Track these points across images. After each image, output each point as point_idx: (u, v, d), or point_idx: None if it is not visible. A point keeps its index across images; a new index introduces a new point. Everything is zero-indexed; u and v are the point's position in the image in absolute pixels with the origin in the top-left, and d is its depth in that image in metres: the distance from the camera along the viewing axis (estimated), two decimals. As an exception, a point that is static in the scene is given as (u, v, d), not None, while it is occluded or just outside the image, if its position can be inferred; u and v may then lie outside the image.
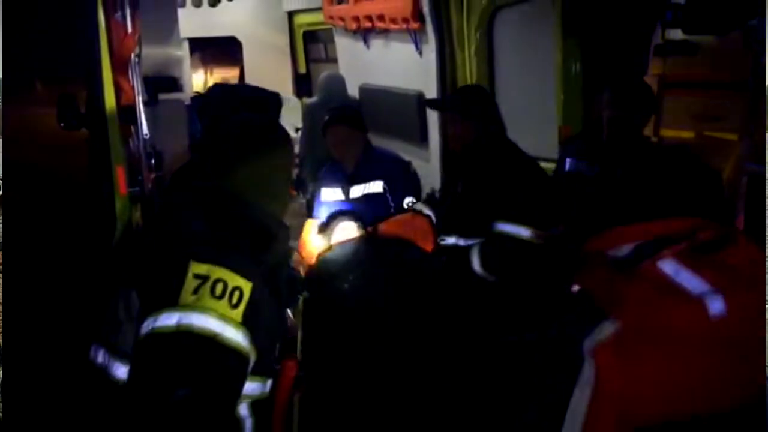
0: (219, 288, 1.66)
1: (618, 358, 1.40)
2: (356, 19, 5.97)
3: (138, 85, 3.34)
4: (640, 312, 1.43)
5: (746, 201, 2.34)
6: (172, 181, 3.18)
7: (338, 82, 6.16)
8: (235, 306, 1.67)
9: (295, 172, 6.25)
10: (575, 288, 1.60)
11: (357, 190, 4.00)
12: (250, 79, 8.06)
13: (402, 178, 4.03)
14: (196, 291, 1.64)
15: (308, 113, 6.04)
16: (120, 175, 3.15)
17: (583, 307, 1.50)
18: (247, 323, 1.68)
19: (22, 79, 3.03)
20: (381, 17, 5.52)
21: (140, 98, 3.37)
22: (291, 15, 8.05)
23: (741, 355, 1.47)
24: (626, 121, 3.16)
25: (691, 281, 1.42)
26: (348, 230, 3.57)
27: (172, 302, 1.62)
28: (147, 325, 1.63)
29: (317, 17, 7.03)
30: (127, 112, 3.27)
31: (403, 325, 3.02)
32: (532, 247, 2.99)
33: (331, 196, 4.02)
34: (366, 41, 6.18)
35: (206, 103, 3.10)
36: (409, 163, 4.15)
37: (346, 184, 3.98)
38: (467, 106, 3.24)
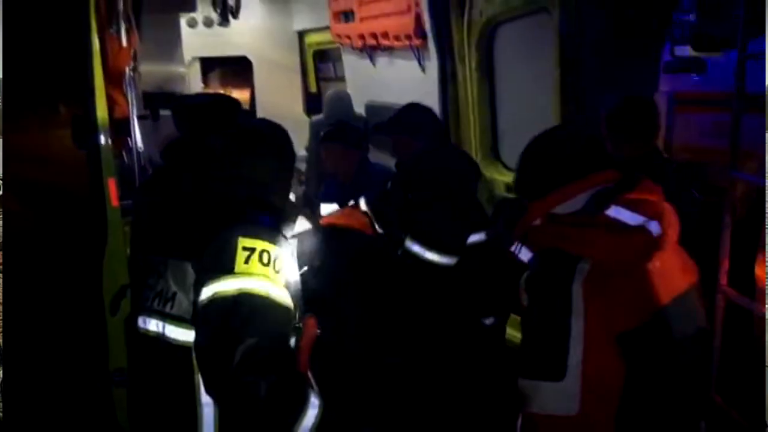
0: (264, 257, 2.00)
1: (596, 287, 1.82)
2: (362, 37, 6.02)
3: (133, 99, 3.37)
4: (604, 249, 1.87)
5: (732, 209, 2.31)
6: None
7: (344, 100, 6.20)
8: (276, 270, 2.02)
9: (302, 189, 6.29)
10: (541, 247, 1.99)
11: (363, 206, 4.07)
12: (261, 99, 8.14)
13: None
14: (247, 261, 1.97)
15: (314, 131, 6.08)
16: (111, 187, 3.18)
17: (560, 258, 1.90)
18: (286, 284, 2.05)
19: (22, 99, 3.11)
20: (385, 35, 5.56)
21: (135, 112, 3.39)
22: (301, 34, 8.12)
23: (679, 256, 2.01)
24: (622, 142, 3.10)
25: (631, 217, 1.90)
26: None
27: (230, 270, 1.95)
28: (209, 291, 1.96)
29: (327, 36, 7.09)
30: (121, 125, 3.31)
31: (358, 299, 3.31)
32: (436, 269, 3.12)
33: (328, 210, 4.07)
34: (372, 59, 6.22)
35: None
36: None
37: (342, 198, 4.01)
38: (395, 126, 3.50)
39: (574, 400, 1.80)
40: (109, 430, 3.29)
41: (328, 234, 3.54)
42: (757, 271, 2.24)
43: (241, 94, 8.85)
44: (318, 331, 2.22)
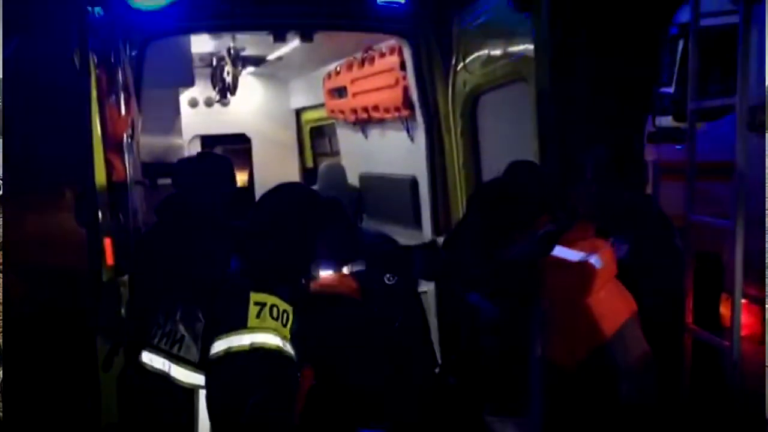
0: (274, 311, 2.09)
1: (556, 315, 2.10)
2: (354, 111, 6.28)
3: (129, 165, 3.54)
4: (558, 284, 2.14)
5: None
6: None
7: (337, 172, 6.39)
8: (285, 325, 2.11)
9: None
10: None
11: (345, 270, 4.16)
12: (259, 174, 8.34)
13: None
14: (258, 315, 2.06)
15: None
16: (107, 246, 3.31)
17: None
18: (292, 339, 2.12)
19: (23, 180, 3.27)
20: (376, 108, 5.81)
21: (131, 176, 3.55)
22: (298, 112, 8.41)
23: (617, 285, 2.25)
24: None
25: (574, 254, 2.13)
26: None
27: (242, 325, 2.05)
28: (223, 344, 2.05)
29: (322, 113, 7.36)
30: (117, 189, 3.46)
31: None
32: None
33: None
34: (364, 131, 6.46)
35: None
36: (393, 241, 4.28)
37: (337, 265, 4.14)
38: None
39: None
40: None
41: (317, 300, 3.65)
42: (722, 309, 2.33)
43: (240, 171, 9.09)
44: (313, 382, 2.32)
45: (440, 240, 4.38)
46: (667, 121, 5.40)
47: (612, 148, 3.39)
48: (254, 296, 2.10)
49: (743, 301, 2.23)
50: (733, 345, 2.16)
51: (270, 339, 2.06)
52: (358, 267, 3.82)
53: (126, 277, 3.46)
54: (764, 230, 2.17)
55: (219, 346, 2.06)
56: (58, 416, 3.27)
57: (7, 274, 3.27)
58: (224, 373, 2.04)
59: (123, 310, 3.40)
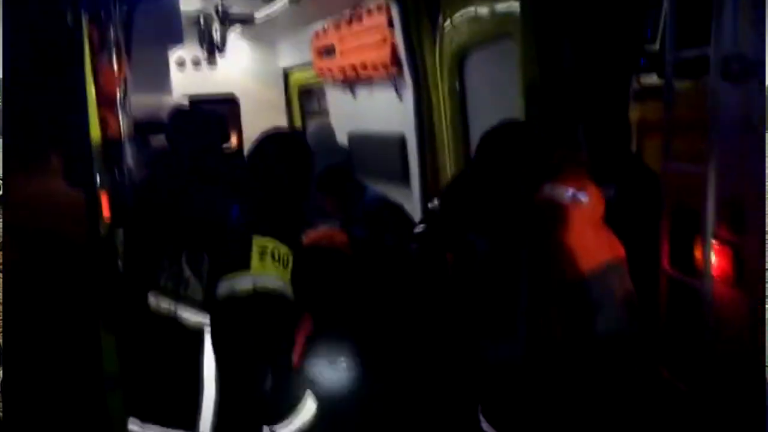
0: (276, 255, 2.20)
1: (543, 243, 2.31)
2: (342, 70, 6.31)
3: (123, 121, 3.60)
4: (548, 217, 2.33)
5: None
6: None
7: (326, 131, 6.43)
8: (286, 267, 2.22)
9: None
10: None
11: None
12: (248, 134, 8.36)
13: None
14: (261, 258, 2.17)
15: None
16: (104, 200, 3.39)
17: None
18: (292, 282, 2.24)
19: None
20: (364, 66, 5.85)
21: (125, 132, 3.62)
22: (286, 72, 8.42)
23: (605, 229, 2.45)
24: None
25: (563, 191, 2.34)
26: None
27: (245, 267, 2.15)
28: (227, 286, 2.16)
29: (311, 73, 7.38)
30: (112, 145, 3.53)
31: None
32: None
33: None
34: (352, 90, 6.51)
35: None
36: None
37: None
38: None
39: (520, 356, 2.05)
40: None
41: (309, 253, 3.77)
42: (696, 253, 2.45)
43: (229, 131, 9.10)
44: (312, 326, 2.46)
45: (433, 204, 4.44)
46: (652, 78, 5.49)
47: (598, 107, 3.50)
48: (256, 240, 2.21)
49: (714, 243, 2.35)
50: (704, 285, 2.29)
51: (271, 282, 2.18)
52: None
53: (121, 231, 3.55)
54: (735, 177, 2.28)
55: (223, 287, 2.18)
56: (61, 371, 3.40)
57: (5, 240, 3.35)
58: (229, 312, 2.18)
59: (120, 263, 3.48)
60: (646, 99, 5.46)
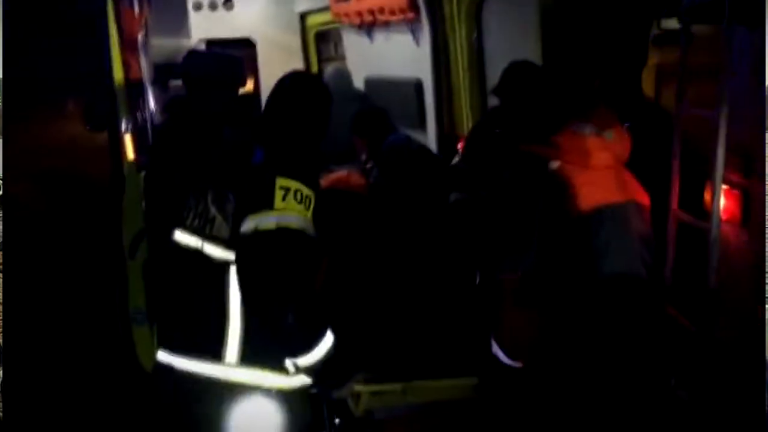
0: (298, 195, 2.29)
1: (563, 175, 2.55)
2: (359, 14, 6.28)
3: (145, 64, 3.67)
4: (569, 150, 2.58)
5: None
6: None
7: (343, 76, 6.45)
8: (308, 208, 2.32)
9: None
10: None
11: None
12: (265, 78, 8.38)
13: None
14: (284, 198, 2.27)
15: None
16: (128, 142, 3.49)
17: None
18: (313, 221, 2.34)
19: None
20: (381, 10, 5.82)
21: (147, 75, 3.69)
22: (303, 16, 8.37)
23: (620, 161, 2.67)
24: None
25: (590, 128, 2.57)
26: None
27: (269, 206, 2.26)
28: (251, 224, 2.26)
29: (327, 17, 7.34)
30: (135, 86, 3.60)
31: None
32: None
33: None
34: (369, 35, 6.49)
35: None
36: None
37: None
38: None
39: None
40: (129, 368, 3.59)
41: (326, 195, 3.87)
42: (706, 196, 2.52)
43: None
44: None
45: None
46: (672, 23, 5.44)
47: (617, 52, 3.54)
48: (280, 181, 2.30)
49: (724, 186, 2.41)
50: (712, 226, 2.36)
51: (294, 220, 2.28)
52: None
53: (143, 173, 3.66)
54: (745, 123, 2.33)
55: (248, 225, 2.28)
56: (90, 303, 3.54)
57: (28, 190, 3.45)
58: (253, 249, 2.27)
59: (143, 203, 3.59)
60: (667, 44, 5.44)
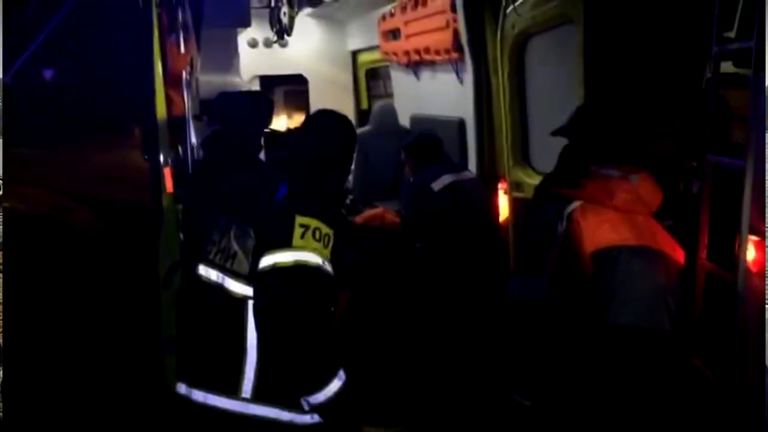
0: (317, 234, 2.33)
1: (581, 215, 2.61)
2: (407, 53, 6.39)
3: (188, 100, 3.79)
4: (593, 191, 2.65)
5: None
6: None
7: (389, 113, 6.54)
8: (326, 246, 2.35)
9: (349, 197, 6.64)
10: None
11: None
12: (316, 113, 8.55)
13: None
14: (303, 236, 2.31)
15: (360, 142, 6.42)
16: (167, 175, 3.58)
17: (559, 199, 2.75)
18: (332, 259, 2.35)
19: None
20: (427, 50, 5.92)
21: (190, 111, 3.81)
22: (354, 54, 8.54)
23: (645, 205, 2.67)
24: None
25: (616, 172, 2.67)
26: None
27: (287, 244, 2.30)
28: (269, 260, 2.30)
29: (377, 55, 7.48)
30: (177, 122, 3.72)
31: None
32: None
33: None
34: (416, 73, 6.58)
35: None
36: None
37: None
38: None
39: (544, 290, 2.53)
40: (159, 395, 3.64)
41: (358, 232, 3.90)
42: (737, 247, 2.45)
43: (297, 112, 9.31)
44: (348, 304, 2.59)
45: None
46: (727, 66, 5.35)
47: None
48: (299, 219, 2.34)
49: (755, 238, 2.34)
50: (738, 278, 2.29)
51: (312, 257, 2.31)
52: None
53: (181, 206, 3.76)
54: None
55: (266, 261, 2.32)
56: (124, 330, 3.62)
57: (79, 208, 3.58)
58: (270, 285, 2.31)
59: (181, 235, 3.68)
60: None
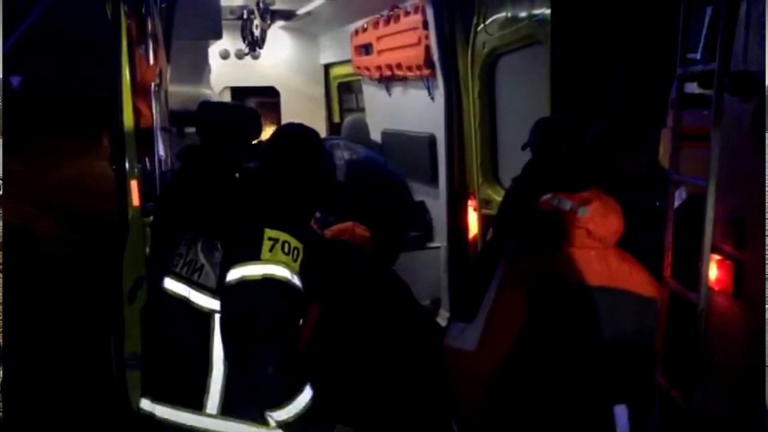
0: (286, 247, 2.32)
1: (524, 253, 2.45)
2: (379, 68, 6.42)
3: (156, 111, 3.75)
4: (540, 225, 2.45)
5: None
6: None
7: (360, 127, 6.55)
8: (295, 260, 2.34)
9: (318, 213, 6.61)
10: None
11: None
12: (287, 127, 8.53)
13: None
14: (271, 249, 2.30)
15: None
16: (134, 188, 3.54)
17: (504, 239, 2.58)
18: (301, 273, 2.35)
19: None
20: (399, 66, 5.95)
21: (157, 123, 3.77)
22: (327, 67, 8.55)
23: (597, 240, 2.47)
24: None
25: (567, 203, 2.44)
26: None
27: (256, 257, 2.29)
28: (238, 273, 2.28)
29: (350, 69, 7.49)
30: (144, 134, 3.68)
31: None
32: None
33: None
34: (388, 89, 6.61)
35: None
36: None
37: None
38: None
39: (475, 340, 2.32)
40: (121, 410, 3.58)
41: (329, 246, 3.87)
42: (700, 266, 2.47)
43: (268, 125, 9.26)
44: (317, 316, 2.56)
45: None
46: (692, 87, 5.44)
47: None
48: (268, 232, 2.33)
49: (718, 257, 2.37)
50: (700, 297, 2.32)
51: (280, 271, 2.29)
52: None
53: (151, 218, 3.71)
54: (738, 192, 2.30)
55: (234, 274, 2.30)
56: (85, 344, 3.56)
57: (42, 216, 3.53)
58: (238, 298, 2.29)
59: (147, 248, 3.64)
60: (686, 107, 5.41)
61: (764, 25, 2.17)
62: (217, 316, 2.37)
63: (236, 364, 2.30)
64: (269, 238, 2.32)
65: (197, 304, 2.42)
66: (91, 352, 3.55)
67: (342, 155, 5.19)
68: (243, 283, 2.28)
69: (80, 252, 3.58)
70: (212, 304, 2.38)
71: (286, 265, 2.31)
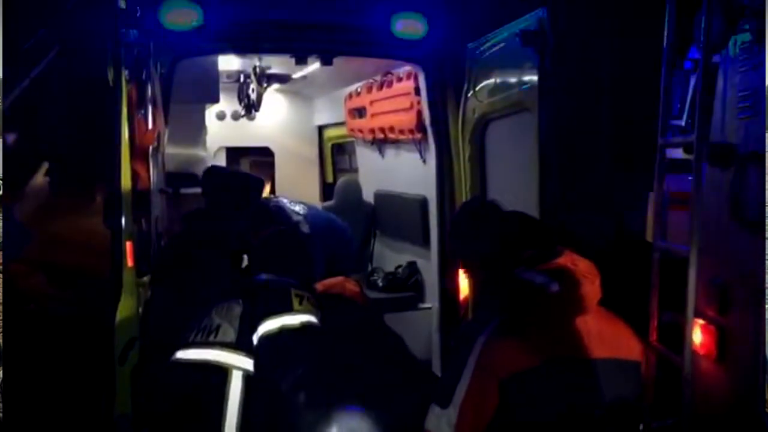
0: (310, 301, 2.85)
1: (498, 333, 2.40)
2: (372, 131, 6.56)
3: (153, 174, 3.82)
4: (511, 303, 2.47)
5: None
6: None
7: (353, 188, 6.66)
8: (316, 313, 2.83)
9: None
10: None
11: None
12: (281, 187, 8.63)
13: None
14: (300, 302, 2.80)
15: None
16: (129, 249, 3.58)
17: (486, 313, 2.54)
18: None
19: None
20: (392, 129, 6.08)
21: (155, 186, 3.84)
22: (321, 129, 8.71)
23: (569, 314, 2.47)
24: None
25: (537, 277, 2.43)
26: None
27: (290, 309, 2.76)
28: (274, 324, 2.69)
29: (343, 131, 7.64)
30: (141, 195, 3.74)
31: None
32: None
33: None
34: (381, 151, 6.73)
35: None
36: None
37: None
38: None
39: (451, 427, 2.33)
40: None
41: (325, 299, 3.92)
42: (684, 331, 2.52)
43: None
44: None
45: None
46: (677, 153, 5.58)
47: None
48: (294, 291, 2.82)
49: (702, 322, 2.42)
50: (684, 361, 2.36)
51: (313, 318, 2.76)
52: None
53: (145, 278, 3.75)
54: (721, 258, 2.37)
55: (271, 324, 2.68)
56: (75, 404, 3.55)
57: (34, 273, 3.56)
58: (279, 345, 2.66)
59: (140, 309, 3.66)
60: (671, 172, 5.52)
61: (741, 99, 2.28)
62: (235, 373, 2.60)
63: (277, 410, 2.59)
64: (296, 295, 2.80)
65: (213, 361, 2.65)
66: (81, 412, 3.53)
67: (295, 210, 5.26)
68: (283, 331, 2.68)
69: (71, 311, 3.61)
70: (231, 359, 2.63)
71: (312, 314, 2.79)
